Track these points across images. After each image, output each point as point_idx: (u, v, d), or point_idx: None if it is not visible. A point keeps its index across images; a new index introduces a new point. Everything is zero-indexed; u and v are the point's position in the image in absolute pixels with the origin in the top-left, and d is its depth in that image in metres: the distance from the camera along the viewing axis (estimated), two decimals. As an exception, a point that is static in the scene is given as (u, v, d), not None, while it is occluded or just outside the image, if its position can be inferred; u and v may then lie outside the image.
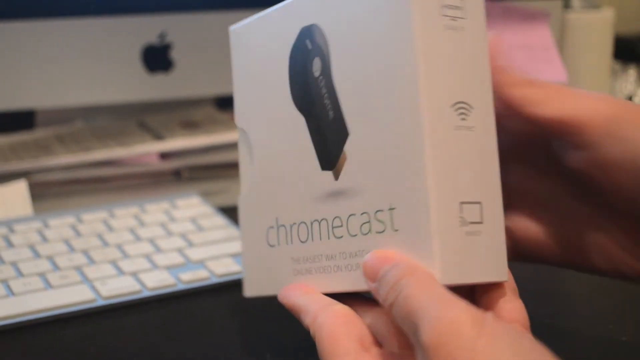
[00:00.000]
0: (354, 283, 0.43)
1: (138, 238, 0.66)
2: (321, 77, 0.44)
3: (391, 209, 0.41)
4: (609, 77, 1.04)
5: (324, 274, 0.45)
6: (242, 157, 0.51)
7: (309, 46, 0.45)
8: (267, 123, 0.49)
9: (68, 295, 0.57)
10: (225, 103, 0.95)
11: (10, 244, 0.64)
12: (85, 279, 0.60)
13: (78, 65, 0.81)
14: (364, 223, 0.43)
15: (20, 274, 0.60)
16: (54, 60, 0.80)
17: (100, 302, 0.57)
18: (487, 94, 0.41)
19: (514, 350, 0.35)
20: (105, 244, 0.65)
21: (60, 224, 0.67)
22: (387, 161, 0.41)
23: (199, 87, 0.87)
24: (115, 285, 0.59)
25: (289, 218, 0.47)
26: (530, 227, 0.48)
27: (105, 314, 0.57)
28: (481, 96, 0.41)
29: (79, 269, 0.61)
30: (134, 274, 0.60)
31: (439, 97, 0.40)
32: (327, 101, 0.44)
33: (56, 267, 0.61)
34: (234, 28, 0.52)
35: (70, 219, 0.68)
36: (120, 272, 0.61)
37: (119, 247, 0.64)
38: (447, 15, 0.40)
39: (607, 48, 1.03)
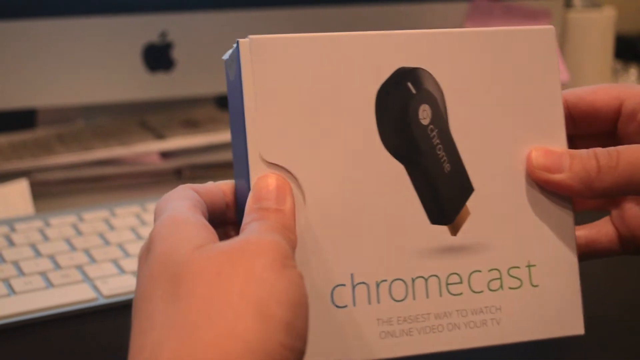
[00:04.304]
0: (478, 340, 0.43)
1: (139, 237, 0.66)
2: (432, 127, 0.43)
3: (530, 265, 0.43)
4: (610, 76, 1.04)
5: (431, 333, 0.43)
6: None
7: (412, 90, 0.43)
8: (333, 164, 0.42)
9: (69, 294, 0.57)
10: (226, 102, 0.95)
11: (11, 243, 0.64)
12: (87, 278, 0.60)
13: (79, 64, 0.81)
14: (493, 279, 0.43)
15: (21, 272, 0.60)
16: (55, 59, 0.80)
17: (102, 301, 0.57)
18: None
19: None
20: (107, 242, 0.65)
21: (61, 223, 0.67)
22: (523, 219, 0.44)
23: (200, 86, 0.87)
24: (116, 284, 0.59)
25: (373, 274, 0.42)
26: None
27: (106, 313, 0.57)
28: None
29: (80, 267, 0.61)
30: (135, 273, 0.60)
31: None
32: (441, 152, 0.43)
33: (57, 266, 0.61)
34: (254, 38, 0.42)
35: (71, 218, 0.68)
36: (122, 270, 0.61)
37: (120, 246, 0.64)
38: None
39: (608, 47, 1.03)
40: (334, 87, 0.42)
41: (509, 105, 0.44)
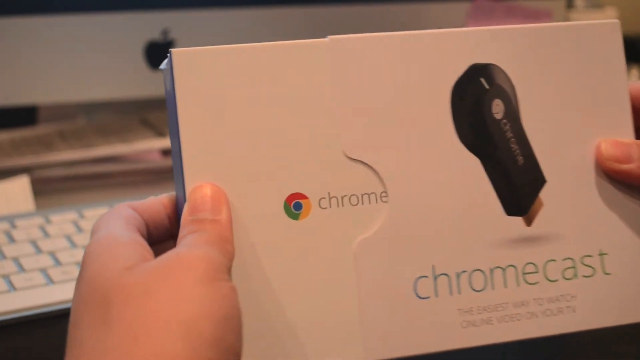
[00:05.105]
0: (555, 327, 0.44)
1: (140, 234, 0.66)
2: (505, 121, 0.44)
3: (602, 254, 0.45)
4: (612, 77, 1.04)
5: (510, 322, 0.44)
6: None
7: (486, 86, 0.44)
8: (411, 158, 0.44)
9: (69, 291, 0.57)
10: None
11: (12, 239, 0.64)
12: (87, 275, 0.59)
13: (80, 61, 0.81)
14: (568, 268, 0.44)
15: (21, 269, 0.60)
16: (56, 56, 0.80)
17: (102, 298, 0.57)
18: None
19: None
20: (107, 240, 0.65)
21: (62, 220, 0.67)
22: (593, 209, 0.45)
23: (201, 84, 0.87)
24: (116, 281, 0.59)
25: (454, 266, 0.44)
26: None
27: (106, 310, 0.57)
28: None
29: (80, 264, 0.61)
30: (136, 270, 0.60)
31: None
32: (514, 146, 0.45)
33: (58, 262, 0.61)
34: (334, 38, 0.43)
35: (72, 215, 0.68)
36: (122, 268, 0.61)
37: (121, 243, 0.64)
38: None
39: (610, 48, 1.03)
40: (414, 84, 0.44)
41: (577, 98, 0.45)
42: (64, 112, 0.90)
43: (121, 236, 0.38)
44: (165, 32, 0.84)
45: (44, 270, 0.60)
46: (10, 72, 0.79)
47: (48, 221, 0.67)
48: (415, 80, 0.44)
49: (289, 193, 0.42)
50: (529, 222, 0.44)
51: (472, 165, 0.44)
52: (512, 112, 0.45)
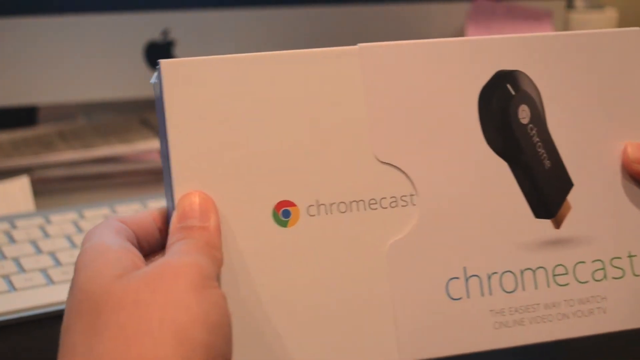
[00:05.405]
0: (586, 329, 0.45)
1: (140, 234, 0.66)
2: (531, 126, 0.45)
3: (631, 256, 0.45)
4: (612, 77, 1.04)
5: (542, 323, 0.44)
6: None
7: (512, 92, 0.45)
8: (440, 162, 0.44)
9: (70, 291, 0.57)
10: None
11: (12, 240, 0.64)
12: (87, 275, 0.59)
13: (81, 61, 0.81)
14: (597, 270, 0.45)
15: (22, 269, 0.60)
16: (56, 56, 0.80)
17: (102, 298, 0.57)
18: None
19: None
20: (107, 240, 0.65)
21: (62, 220, 0.67)
22: (621, 211, 0.46)
23: (201, 84, 0.87)
24: (116, 282, 0.59)
25: (484, 267, 0.44)
26: None
27: (106, 310, 0.57)
28: None
29: (80, 265, 0.61)
30: (136, 270, 0.60)
31: None
32: (541, 150, 0.45)
33: (58, 262, 0.61)
34: (364, 45, 0.44)
35: (72, 215, 0.68)
36: (122, 268, 0.61)
37: (121, 243, 0.64)
38: None
39: (610, 48, 1.02)
40: (442, 90, 0.44)
41: (602, 103, 0.46)
42: (64, 112, 0.90)
43: (112, 244, 0.39)
44: (165, 32, 0.84)
45: (44, 271, 0.60)
46: (10, 72, 0.79)
47: (48, 221, 0.67)
48: (443, 86, 0.44)
49: (277, 201, 0.42)
50: (557, 225, 0.45)
51: (500, 168, 0.45)
52: (538, 117, 0.45)
